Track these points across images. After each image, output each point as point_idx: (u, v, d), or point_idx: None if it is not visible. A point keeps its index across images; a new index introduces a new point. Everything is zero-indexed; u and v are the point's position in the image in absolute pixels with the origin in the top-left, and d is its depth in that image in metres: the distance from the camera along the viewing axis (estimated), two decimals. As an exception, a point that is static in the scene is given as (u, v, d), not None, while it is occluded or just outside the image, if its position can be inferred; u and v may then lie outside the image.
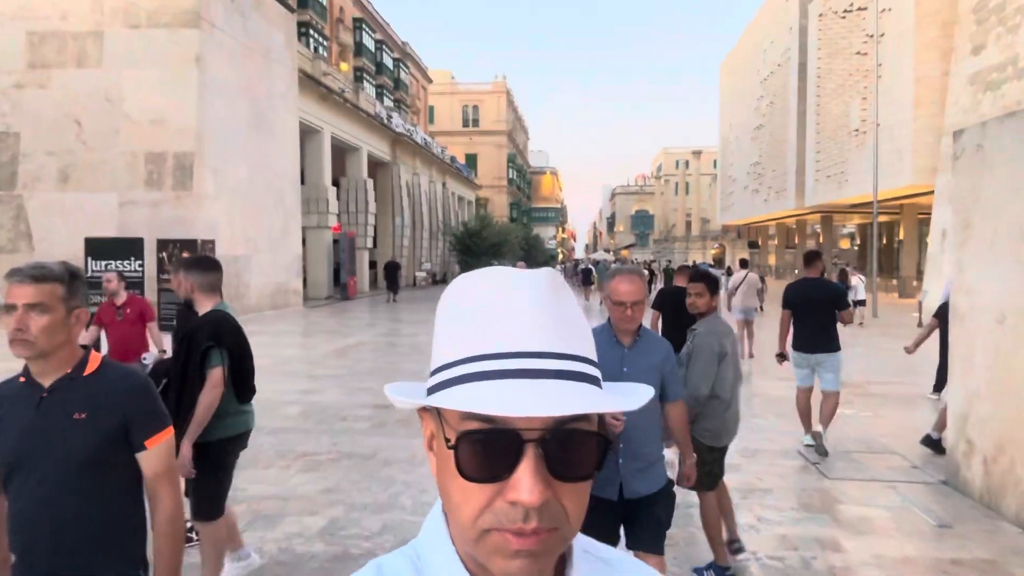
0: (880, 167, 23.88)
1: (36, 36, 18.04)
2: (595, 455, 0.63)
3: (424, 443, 0.72)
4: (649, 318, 7.48)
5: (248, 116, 20.93)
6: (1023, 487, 4.90)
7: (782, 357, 7.21)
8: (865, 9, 29.35)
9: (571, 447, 0.62)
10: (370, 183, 33.76)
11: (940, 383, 8.66)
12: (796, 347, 6.95)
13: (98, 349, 3.66)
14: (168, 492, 2.04)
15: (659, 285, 21.76)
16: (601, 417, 0.67)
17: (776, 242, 52.95)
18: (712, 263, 50.01)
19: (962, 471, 5.61)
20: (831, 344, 6.74)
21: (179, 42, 18.08)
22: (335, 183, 30.61)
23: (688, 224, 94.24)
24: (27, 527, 1.92)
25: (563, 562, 0.70)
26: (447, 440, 0.64)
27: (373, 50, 43.12)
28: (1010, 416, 5.10)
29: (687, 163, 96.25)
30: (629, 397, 0.67)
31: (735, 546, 4.37)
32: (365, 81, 39.98)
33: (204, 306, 3.71)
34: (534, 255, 63.51)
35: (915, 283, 28.52)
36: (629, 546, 3.16)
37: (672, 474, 3.45)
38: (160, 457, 2.03)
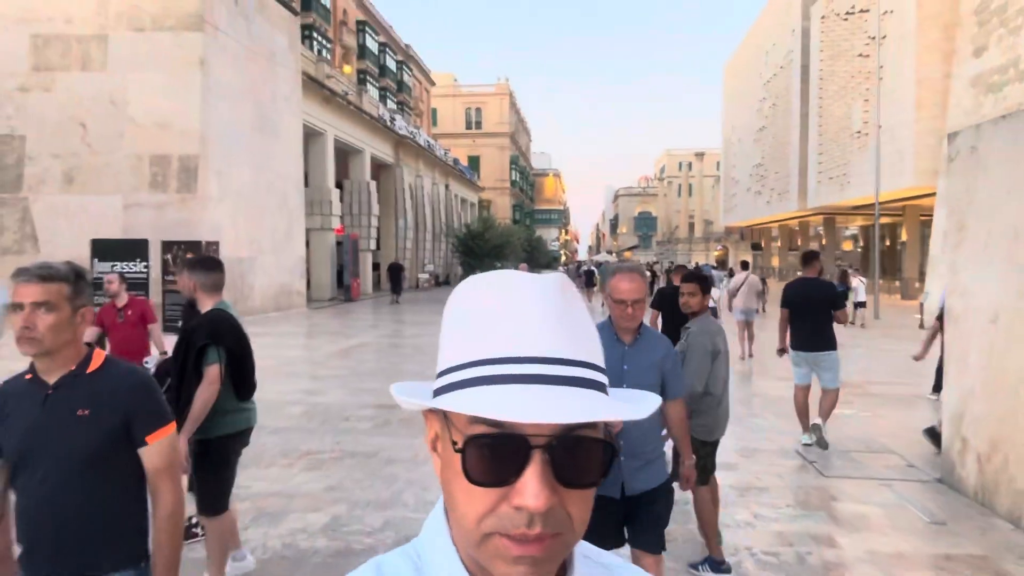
0: (882, 169, 23.93)
1: (40, 39, 18.13)
2: (601, 462, 0.63)
3: (427, 443, 0.72)
4: (648, 317, 7.56)
5: (252, 119, 21.02)
6: (1016, 485, 4.96)
7: (783, 351, 7.47)
8: (867, 11, 29.38)
9: (578, 454, 0.62)
10: (373, 185, 33.89)
11: (939, 384, 8.70)
12: (794, 346, 7.06)
13: (102, 349, 3.74)
14: (169, 488, 2.06)
15: (661, 285, 21.77)
16: (607, 423, 0.67)
17: (779, 244, 52.94)
18: (715, 265, 49.97)
19: (957, 469, 5.68)
20: (828, 343, 6.86)
21: (183, 45, 18.17)
22: (339, 185, 30.73)
23: (691, 226, 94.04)
24: (31, 524, 1.95)
25: (564, 567, 0.70)
26: (454, 443, 0.63)
27: (376, 53, 43.26)
28: (1003, 415, 5.16)
29: (690, 165, 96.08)
30: (637, 405, 0.67)
31: (723, 567, 4.19)
32: (368, 84, 40.10)
33: (206, 305, 3.80)
34: (537, 257, 63.61)
35: (917, 285, 28.48)
36: (630, 543, 3.20)
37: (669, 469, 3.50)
38: (161, 453, 2.05)
